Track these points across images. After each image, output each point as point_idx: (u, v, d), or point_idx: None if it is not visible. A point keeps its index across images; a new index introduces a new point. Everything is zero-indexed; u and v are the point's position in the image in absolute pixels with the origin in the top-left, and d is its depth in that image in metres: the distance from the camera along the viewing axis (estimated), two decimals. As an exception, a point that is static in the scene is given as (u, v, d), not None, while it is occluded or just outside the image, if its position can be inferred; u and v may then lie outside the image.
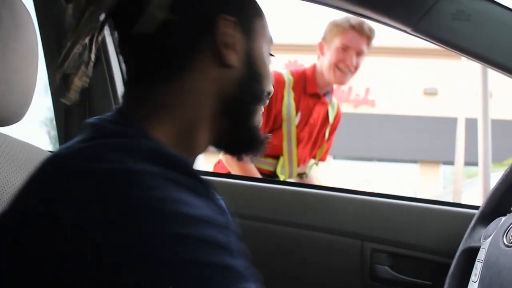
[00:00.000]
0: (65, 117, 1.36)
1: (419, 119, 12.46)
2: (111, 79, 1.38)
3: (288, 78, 1.95)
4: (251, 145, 0.70)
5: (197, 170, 0.61)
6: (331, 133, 2.15)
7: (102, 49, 1.35)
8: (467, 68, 9.62)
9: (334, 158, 11.90)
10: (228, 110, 0.66)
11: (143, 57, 0.63)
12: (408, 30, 0.88)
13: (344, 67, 1.91)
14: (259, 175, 1.89)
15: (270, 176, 1.96)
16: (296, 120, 1.94)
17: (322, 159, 2.20)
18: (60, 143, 1.32)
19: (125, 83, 0.67)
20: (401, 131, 12.14)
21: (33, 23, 0.78)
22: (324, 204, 1.33)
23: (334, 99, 2.13)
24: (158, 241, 0.47)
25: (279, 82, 1.90)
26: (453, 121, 10.25)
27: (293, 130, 1.93)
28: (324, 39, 1.99)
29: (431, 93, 12.71)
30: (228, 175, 1.50)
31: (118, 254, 0.47)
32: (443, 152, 11.88)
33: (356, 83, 12.49)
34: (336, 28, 1.93)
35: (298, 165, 2.03)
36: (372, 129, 12.18)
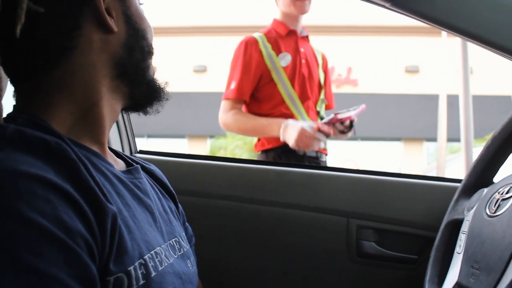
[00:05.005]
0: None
1: (401, 97, 12.53)
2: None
3: (258, 35, 2.03)
4: (155, 96, 0.74)
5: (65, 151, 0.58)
6: (326, 78, 2.18)
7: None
8: (448, 45, 9.66)
9: (319, 138, 11.90)
10: (124, 73, 0.69)
11: (28, 51, 0.63)
12: (386, 5, 0.87)
13: None
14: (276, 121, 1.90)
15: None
16: (286, 62, 1.99)
17: (329, 106, 2.22)
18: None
19: (15, 79, 0.67)
20: (384, 110, 12.20)
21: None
22: (309, 183, 1.33)
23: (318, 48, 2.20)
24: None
25: (252, 41, 2.00)
26: (435, 98, 10.33)
27: (284, 76, 1.98)
28: None
29: (412, 70, 12.77)
30: (215, 158, 1.49)
31: None
32: (426, 129, 11.99)
33: (338, 63, 12.50)
34: None
35: (309, 106, 2.04)
36: (355, 108, 12.20)
